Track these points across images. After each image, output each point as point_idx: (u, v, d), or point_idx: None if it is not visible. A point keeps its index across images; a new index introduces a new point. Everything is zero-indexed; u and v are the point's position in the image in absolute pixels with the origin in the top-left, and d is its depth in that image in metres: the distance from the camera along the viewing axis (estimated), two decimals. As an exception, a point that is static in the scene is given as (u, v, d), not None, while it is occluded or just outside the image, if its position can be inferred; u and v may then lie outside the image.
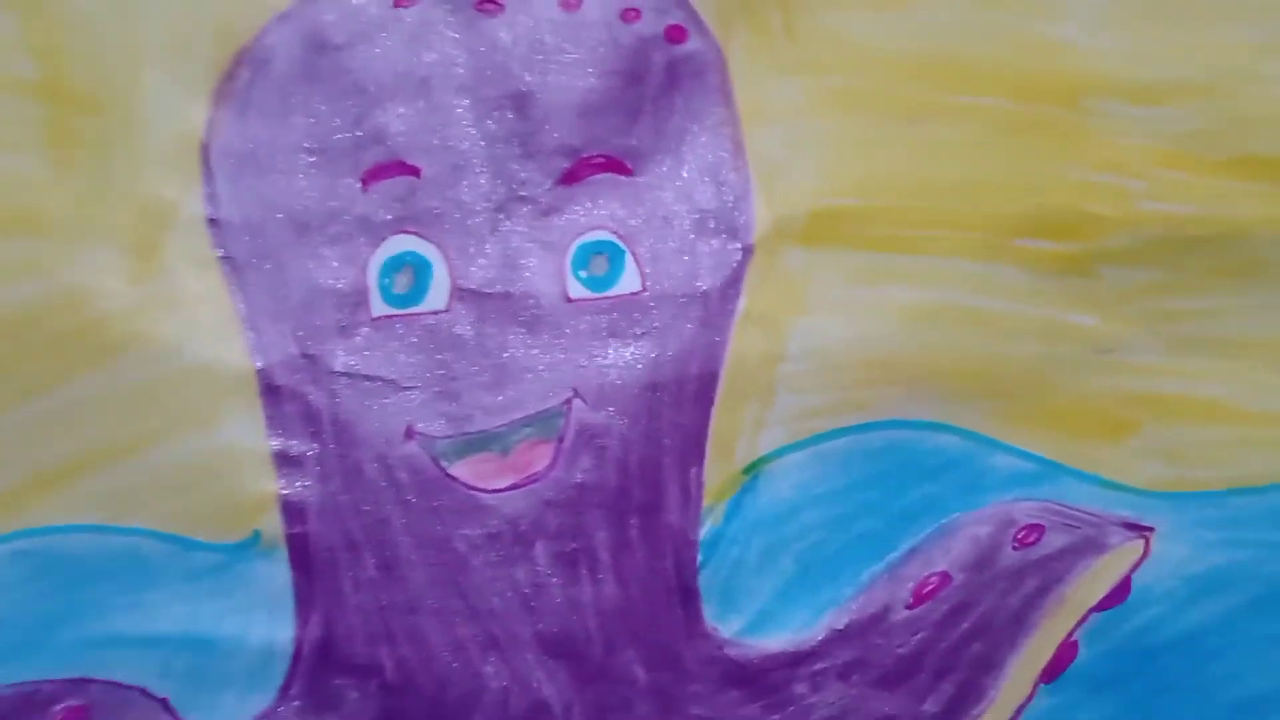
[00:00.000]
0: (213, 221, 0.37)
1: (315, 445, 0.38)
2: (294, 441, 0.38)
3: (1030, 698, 0.44)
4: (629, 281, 0.39)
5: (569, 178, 0.39)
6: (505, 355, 0.39)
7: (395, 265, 0.38)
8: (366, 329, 0.38)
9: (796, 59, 0.39)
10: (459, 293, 0.38)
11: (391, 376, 0.38)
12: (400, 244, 0.38)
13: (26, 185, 0.35)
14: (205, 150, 0.36)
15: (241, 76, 0.36)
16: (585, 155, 0.39)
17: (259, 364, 0.37)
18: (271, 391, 0.37)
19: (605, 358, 0.39)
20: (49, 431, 0.36)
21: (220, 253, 0.37)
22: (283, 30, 0.36)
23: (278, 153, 0.37)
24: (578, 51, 0.38)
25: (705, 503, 0.41)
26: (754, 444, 0.41)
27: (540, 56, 0.38)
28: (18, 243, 0.35)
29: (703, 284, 0.40)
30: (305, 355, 0.37)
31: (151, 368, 0.36)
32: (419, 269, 0.38)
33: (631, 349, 0.39)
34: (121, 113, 0.36)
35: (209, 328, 0.37)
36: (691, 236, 0.39)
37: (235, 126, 0.36)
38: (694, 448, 0.40)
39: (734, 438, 0.41)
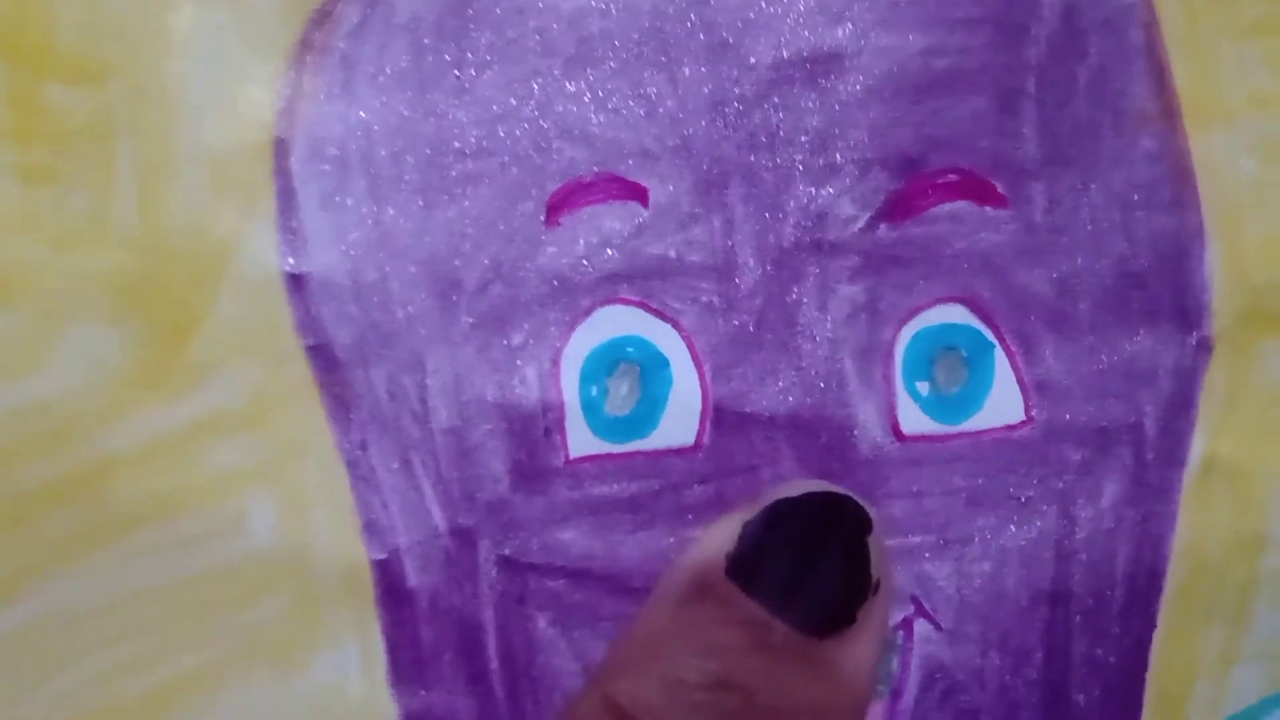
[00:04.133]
0: (294, 279, 0.27)
1: (474, 700, 0.29)
2: (436, 692, 0.29)
3: None
4: (1002, 405, 0.29)
5: (899, 209, 0.28)
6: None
7: (608, 362, 0.28)
8: (562, 480, 0.28)
9: (1267, 11, 0.30)
10: (716, 415, 0.28)
11: (608, 570, 0.29)
12: (616, 322, 0.28)
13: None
14: (281, 149, 0.27)
15: (344, 18, 0.27)
16: (926, 171, 0.28)
17: (376, 552, 0.28)
18: (397, 600, 0.28)
19: (968, 543, 0.30)
20: (13, 668, 0.27)
21: (308, 340, 0.27)
22: None
23: (405, 154, 0.27)
24: None
25: (1143, 796, 0.32)
26: (1219, 693, 0.32)
27: None
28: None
29: (1130, 411, 0.30)
30: (456, 532, 0.28)
31: (186, 557, 0.27)
32: (649, 370, 0.28)
33: (1011, 528, 0.30)
34: (134, 80, 0.26)
35: (287, 483, 0.28)
36: (1107, 322, 0.30)
37: (333, 107, 0.27)
38: (1123, 701, 0.31)
39: (1187, 683, 0.32)
